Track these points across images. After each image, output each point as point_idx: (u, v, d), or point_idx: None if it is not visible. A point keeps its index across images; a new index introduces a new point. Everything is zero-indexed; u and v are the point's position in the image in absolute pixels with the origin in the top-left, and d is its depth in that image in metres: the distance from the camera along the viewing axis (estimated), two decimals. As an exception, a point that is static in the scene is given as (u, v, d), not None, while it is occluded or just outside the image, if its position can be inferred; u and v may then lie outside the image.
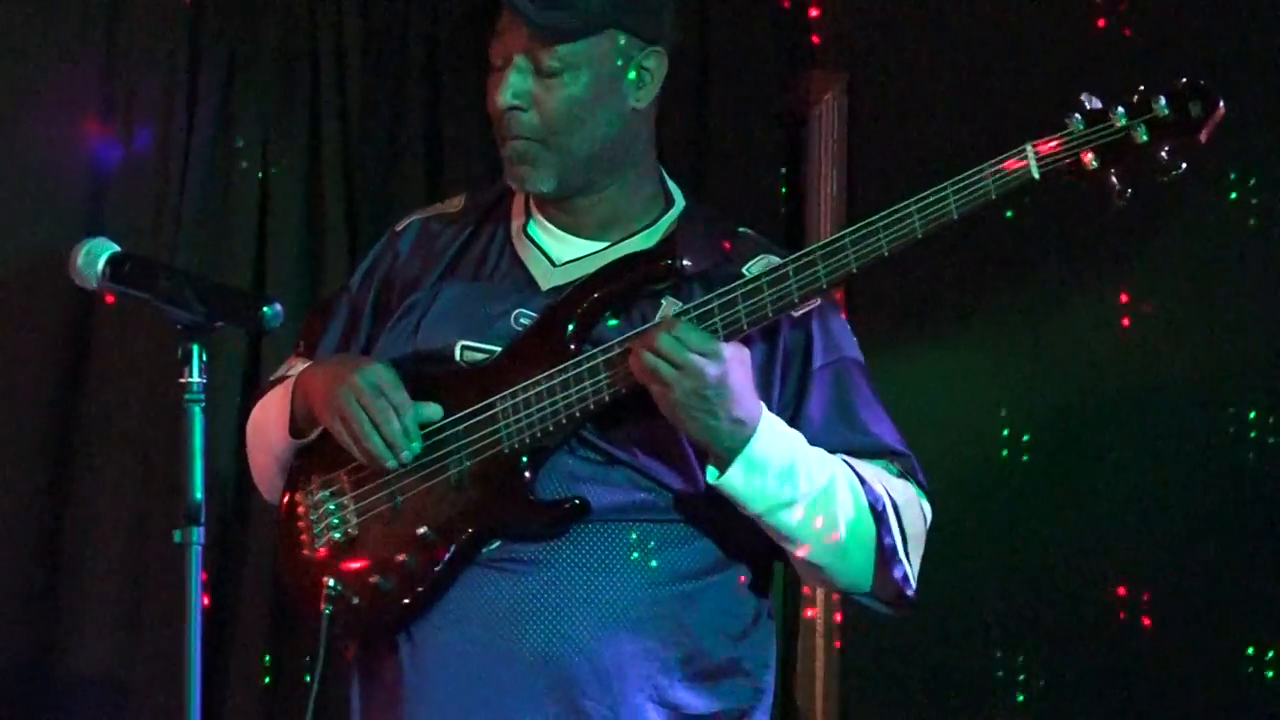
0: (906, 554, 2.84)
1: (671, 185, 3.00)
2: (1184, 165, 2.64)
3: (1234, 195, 3.82)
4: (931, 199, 2.70)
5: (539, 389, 2.80)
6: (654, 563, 2.84)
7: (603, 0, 2.81)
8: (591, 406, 2.79)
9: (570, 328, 2.83)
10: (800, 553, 2.83)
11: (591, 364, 2.78)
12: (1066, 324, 3.99)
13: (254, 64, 4.31)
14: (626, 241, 2.92)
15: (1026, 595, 4.06)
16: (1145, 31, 3.96)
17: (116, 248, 2.62)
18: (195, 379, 2.54)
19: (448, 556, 2.84)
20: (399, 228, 3.07)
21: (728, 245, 2.92)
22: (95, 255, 2.60)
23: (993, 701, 4.09)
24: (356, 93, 4.33)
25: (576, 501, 2.80)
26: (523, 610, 2.81)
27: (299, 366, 3.07)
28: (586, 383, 2.78)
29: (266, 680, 4.19)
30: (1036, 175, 2.68)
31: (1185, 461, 3.91)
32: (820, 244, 2.76)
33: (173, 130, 4.28)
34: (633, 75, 2.87)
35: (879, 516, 2.82)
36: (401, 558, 2.85)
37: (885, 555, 2.84)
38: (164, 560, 4.05)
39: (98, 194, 4.27)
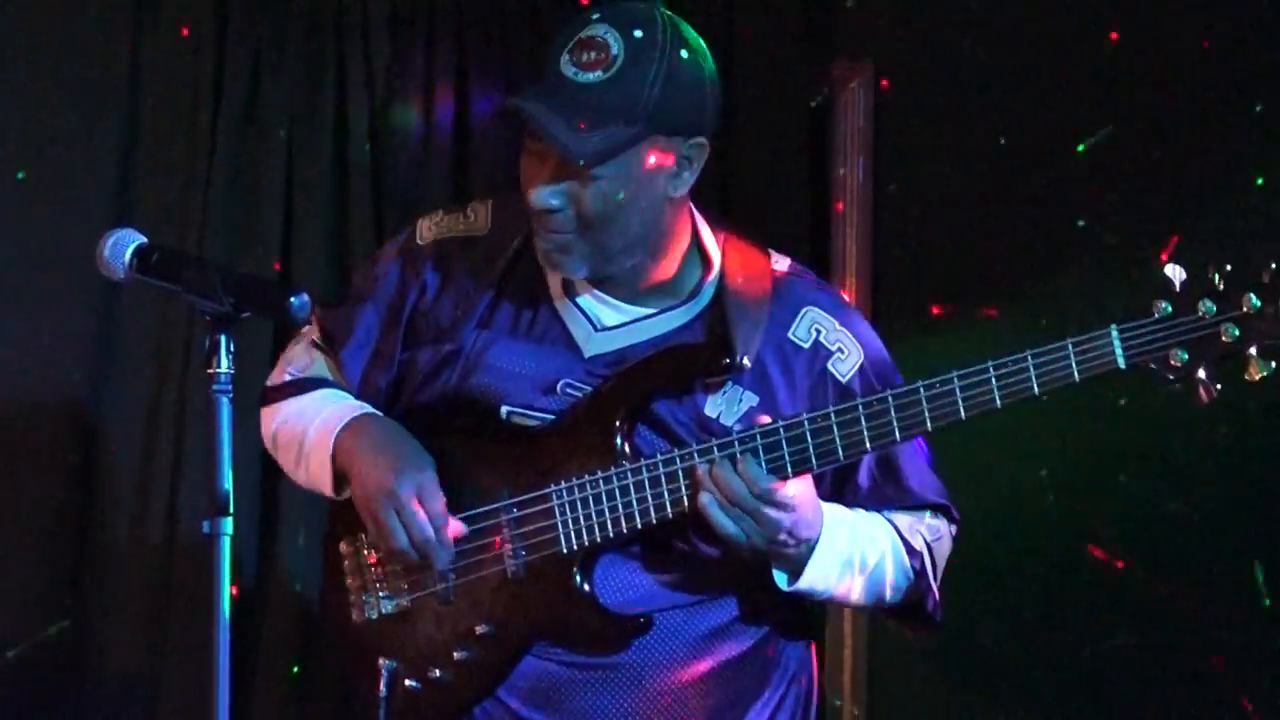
0: (935, 584, 2.94)
1: (708, 239, 2.94)
2: (1275, 365, 2.57)
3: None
4: (1011, 369, 2.65)
5: (597, 490, 2.79)
6: (709, 643, 2.88)
7: (636, 113, 2.73)
8: (654, 520, 2.79)
9: (621, 428, 2.81)
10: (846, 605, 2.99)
11: (652, 474, 2.78)
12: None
13: (280, 48, 4.32)
14: (670, 313, 2.89)
15: (1051, 589, 4.07)
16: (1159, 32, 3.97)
17: (143, 239, 2.60)
18: (223, 370, 2.52)
19: (507, 657, 2.86)
20: (420, 241, 3.00)
21: (771, 307, 2.88)
22: (122, 247, 2.59)
23: (1019, 689, 4.10)
24: (383, 75, 4.34)
25: (641, 620, 2.81)
26: (584, 706, 2.85)
27: (320, 363, 3.04)
28: (648, 493, 2.78)
29: (294, 670, 4.20)
30: (1123, 365, 2.63)
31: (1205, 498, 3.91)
32: (894, 392, 2.72)
33: (199, 118, 4.29)
34: (673, 170, 2.82)
35: (919, 572, 2.91)
36: (460, 655, 2.87)
37: (920, 597, 2.94)
38: (192, 550, 4.06)
39: (125, 183, 4.28)
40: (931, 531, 2.93)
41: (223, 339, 2.53)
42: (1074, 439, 3.98)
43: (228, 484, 2.51)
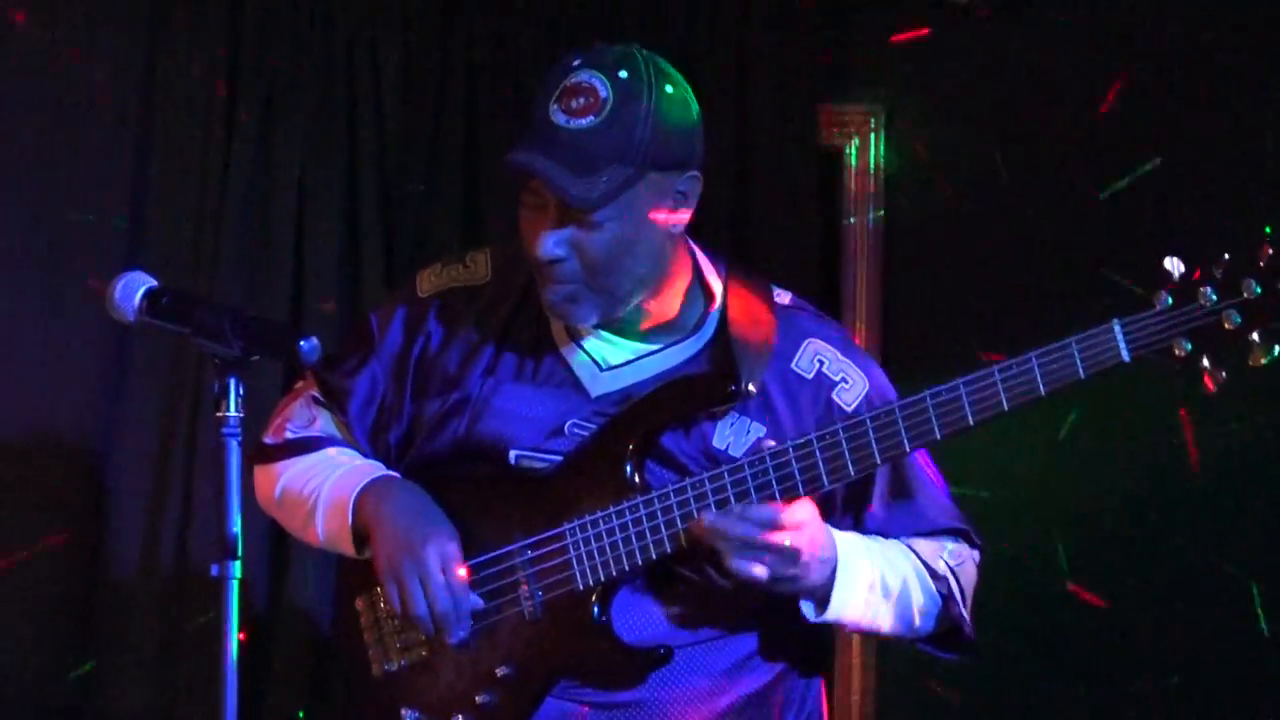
0: (964, 610, 2.92)
1: (709, 272, 2.95)
2: (1278, 350, 2.57)
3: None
4: (1016, 371, 2.66)
5: (610, 526, 2.80)
6: (729, 678, 2.88)
7: (632, 153, 2.75)
8: (668, 551, 2.79)
9: (630, 462, 2.82)
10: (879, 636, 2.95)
11: (664, 504, 2.78)
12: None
13: (292, 89, 4.32)
14: (674, 347, 2.90)
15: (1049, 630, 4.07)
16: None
17: (154, 282, 2.61)
18: (232, 413, 2.53)
19: (529, 698, 2.85)
20: (422, 294, 3.00)
21: (774, 339, 2.89)
22: (132, 289, 2.60)
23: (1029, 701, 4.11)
24: (394, 112, 4.34)
25: (661, 652, 2.81)
26: None
27: (325, 420, 3.04)
28: (661, 523, 2.78)
29: (300, 716, 4.19)
30: (1127, 358, 2.62)
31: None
32: (901, 403, 2.72)
33: (211, 156, 4.29)
34: (670, 205, 2.83)
35: (946, 597, 2.90)
36: (481, 698, 2.86)
37: (952, 622, 2.92)
38: (201, 591, 4.05)
39: (137, 221, 4.28)
40: (954, 556, 2.93)
41: (232, 382, 2.54)
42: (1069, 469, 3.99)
43: (236, 527, 2.52)
